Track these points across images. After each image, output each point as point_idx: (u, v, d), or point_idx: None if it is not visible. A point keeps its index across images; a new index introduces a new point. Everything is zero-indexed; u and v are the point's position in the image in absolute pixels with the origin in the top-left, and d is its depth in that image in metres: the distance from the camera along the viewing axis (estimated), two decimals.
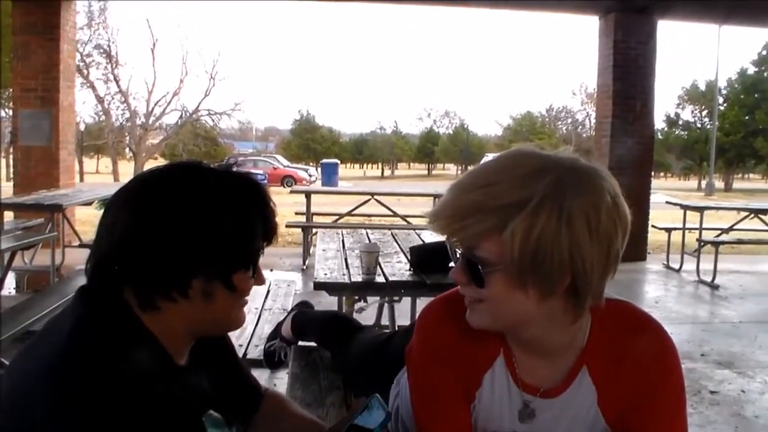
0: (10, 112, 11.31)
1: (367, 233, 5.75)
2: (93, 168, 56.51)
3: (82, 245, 7.69)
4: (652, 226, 10.63)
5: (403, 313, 4.85)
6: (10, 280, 7.11)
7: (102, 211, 1.31)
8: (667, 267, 10.06)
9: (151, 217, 1.21)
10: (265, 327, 5.54)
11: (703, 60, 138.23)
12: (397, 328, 4.19)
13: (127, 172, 40.88)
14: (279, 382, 4.16)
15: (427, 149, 66.27)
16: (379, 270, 4.01)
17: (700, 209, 9.52)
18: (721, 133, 42.18)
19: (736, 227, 10.21)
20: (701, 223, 9.30)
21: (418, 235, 5.56)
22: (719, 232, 10.20)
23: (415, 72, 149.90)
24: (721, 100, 44.02)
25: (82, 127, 41.15)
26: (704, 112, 48.57)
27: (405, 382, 1.65)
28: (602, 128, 11.00)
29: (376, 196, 10.45)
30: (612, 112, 10.61)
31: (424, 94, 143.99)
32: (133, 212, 1.23)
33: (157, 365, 1.21)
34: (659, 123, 47.08)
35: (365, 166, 71.90)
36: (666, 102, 67.48)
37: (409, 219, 10.42)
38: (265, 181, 31.84)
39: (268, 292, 6.86)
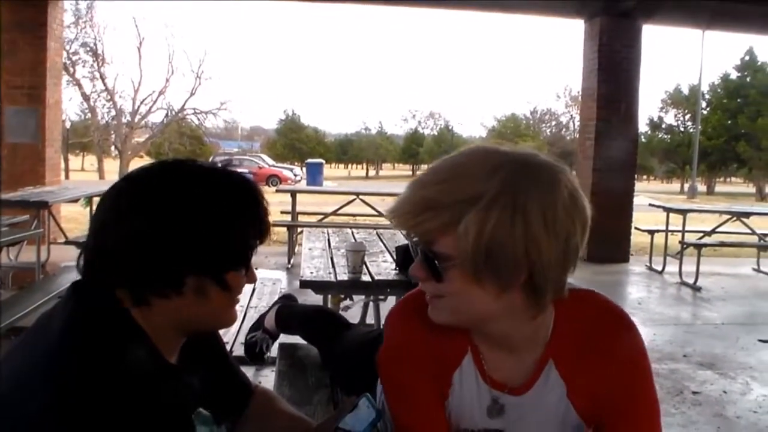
0: None
1: (352, 232, 5.77)
2: (78, 166, 56.20)
3: (67, 242, 7.66)
4: (635, 228, 10.69)
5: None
6: None
7: (93, 207, 1.32)
8: (650, 269, 10.12)
9: (145, 215, 1.21)
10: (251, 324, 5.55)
11: (687, 64, 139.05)
12: (382, 327, 4.19)
13: (112, 170, 40.76)
14: (264, 380, 4.17)
15: (412, 150, 66.19)
16: (365, 269, 4.03)
17: (683, 212, 9.60)
18: (703, 137, 42.33)
19: (718, 230, 10.26)
20: (684, 225, 9.38)
21: (404, 235, 5.58)
22: (702, 234, 10.25)
23: (400, 73, 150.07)
24: (704, 104, 44.18)
25: (68, 124, 40.96)
26: (687, 116, 48.81)
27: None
28: (586, 131, 11.06)
29: (361, 196, 10.48)
30: (596, 115, 10.68)
31: (409, 95, 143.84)
32: (127, 210, 1.23)
33: (149, 363, 1.21)
34: (643, 126, 47.38)
35: (350, 166, 71.83)
36: (650, 106, 67.90)
37: None
38: None
39: (254, 290, 6.86)
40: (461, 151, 1.33)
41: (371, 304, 5.04)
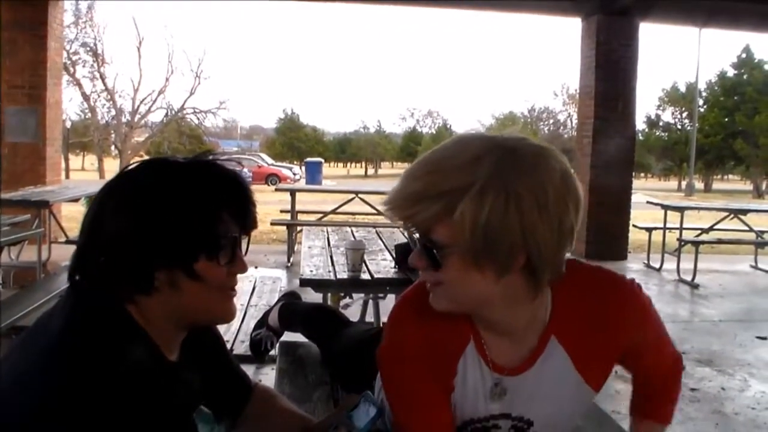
0: None
1: (352, 231, 5.76)
2: (79, 165, 56.10)
3: (68, 241, 7.68)
4: (633, 225, 10.71)
5: (388, 310, 4.84)
6: None
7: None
8: (648, 266, 10.10)
9: (112, 214, 1.23)
10: (251, 323, 5.52)
11: (684, 62, 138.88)
12: (381, 325, 4.22)
13: (112, 169, 40.58)
14: (265, 378, 4.19)
15: (410, 149, 65.95)
16: (364, 267, 4.04)
17: (681, 209, 9.59)
18: (700, 135, 42.33)
19: (715, 227, 10.29)
20: (681, 223, 9.37)
21: (403, 233, 5.59)
22: (699, 232, 10.27)
23: (398, 72, 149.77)
24: (701, 102, 44.16)
25: (68, 124, 40.80)
26: (684, 114, 48.76)
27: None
28: (584, 129, 11.07)
29: (360, 195, 10.46)
30: (594, 113, 10.68)
31: (408, 93, 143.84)
32: (96, 208, 1.25)
33: (147, 360, 1.21)
34: (640, 124, 47.24)
35: (349, 164, 71.71)
36: (647, 103, 67.55)
37: None
38: (250, 179, 31.82)
39: (254, 288, 6.91)
40: (449, 140, 1.35)
41: (371, 302, 5.06)
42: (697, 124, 41.12)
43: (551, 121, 62.93)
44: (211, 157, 1.34)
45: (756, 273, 10.19)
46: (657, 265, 9.88)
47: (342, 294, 4.51)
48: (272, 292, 6.75)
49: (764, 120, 39.89)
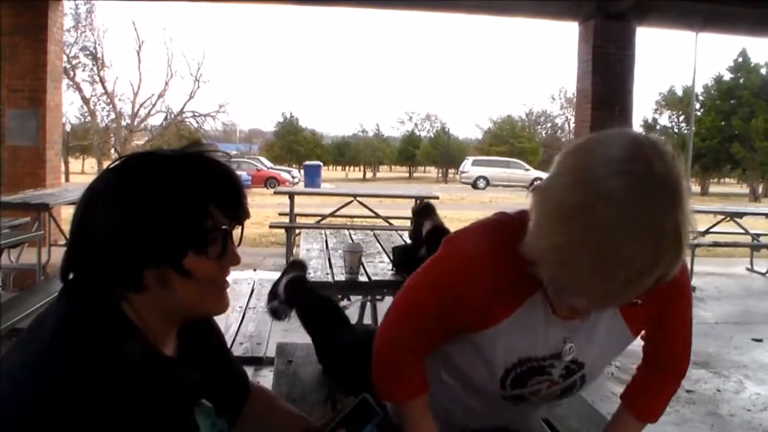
0: None
1: (350, 234, 5.79)
2: (78, 168, 55.89)
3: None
4: None
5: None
6: None
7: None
8: None
9: (93, 211, 1.23)
10: (249, 325, 5.61)
11: (681, 66, 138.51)
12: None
13: None
14: (263, 380, 4.22)
15: (409, 152, 65.84)
16: (362, 270, 4.07)
17: None
18: (697, 139, 42.22)
19: (712, 230, 10.31)
20: None
21: (400, 236, 5.63)
22: (695, 234, 10.28)
23: (396, 76, 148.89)
24: (697, 105, 44.04)
25: (68, 127, 40.71)
26: (681, 118, 48.63)
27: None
28: (581, 133, 11.00)
29: (358, 198, 10.51)
30: (591, 117, 10.69)
31: (406, 97, 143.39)
32: (83, 206, 1.25)
33: (142, 357, 1.20)
34: (637, 128, 47.02)
35: (347, 168, 71.51)
36: (644, 107, 67.75)
37: (391, 220, 10.47)
38: (249, 183, 31.85)
39: (252, 291, 6.93)
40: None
41: (368, 304, 5.09)
42: (693, 128, 40.94)
43: (549, 124, 62.98)
44: (198, 149, 1.31)
45: (752, 276, 10.26)
46: None
47: (340, 296, 4.53)
48: None
49: (760, 123, 39.85)
